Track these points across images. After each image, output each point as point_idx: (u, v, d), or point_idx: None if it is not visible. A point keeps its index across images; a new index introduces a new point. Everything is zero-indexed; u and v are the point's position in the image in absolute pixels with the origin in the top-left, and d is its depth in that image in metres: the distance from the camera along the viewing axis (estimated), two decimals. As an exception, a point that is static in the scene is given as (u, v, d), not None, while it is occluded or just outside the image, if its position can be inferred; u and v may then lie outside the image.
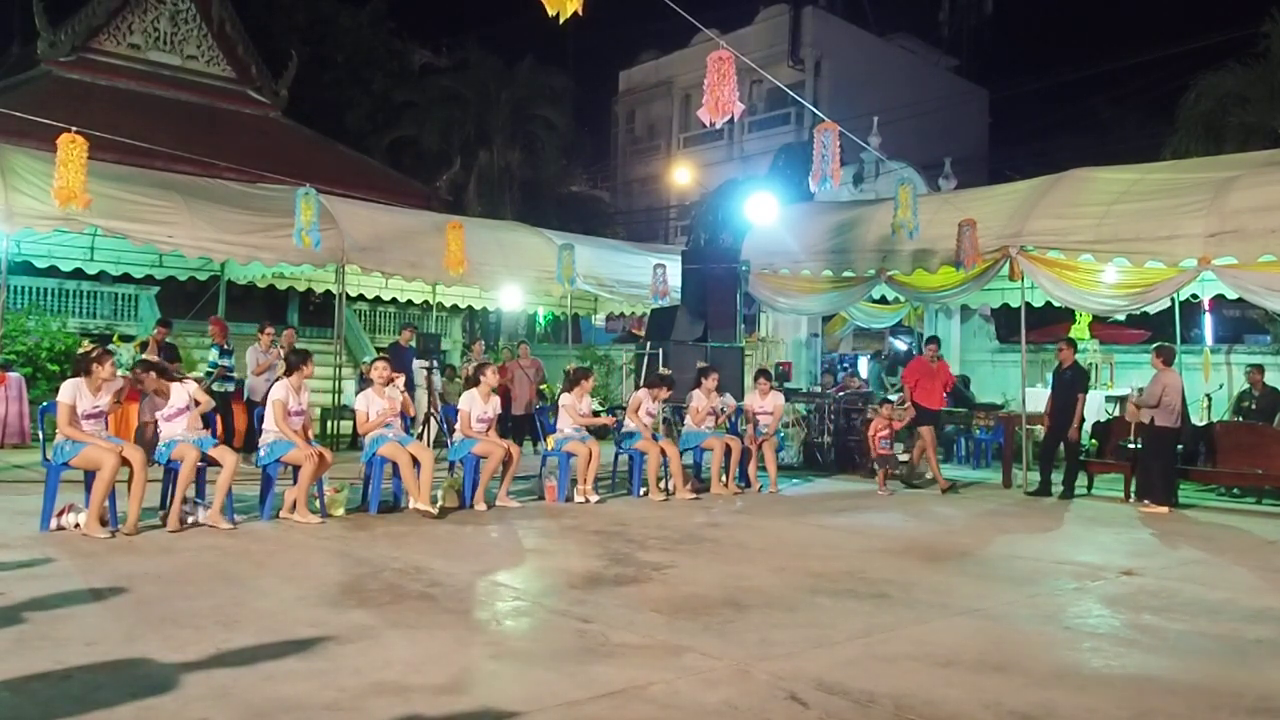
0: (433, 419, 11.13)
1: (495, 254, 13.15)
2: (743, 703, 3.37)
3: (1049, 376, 13.73)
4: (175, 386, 6.81)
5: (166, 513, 6.53)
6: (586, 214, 26.51)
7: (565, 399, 8.77)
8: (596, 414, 9.34)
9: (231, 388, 11.00)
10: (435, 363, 11.56)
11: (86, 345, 6.98)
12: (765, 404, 9.82)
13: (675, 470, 9.05)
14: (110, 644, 3.85)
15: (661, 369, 10.01)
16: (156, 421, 6.92)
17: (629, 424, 9.16)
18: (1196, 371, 12.43)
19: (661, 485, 8.90)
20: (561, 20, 4.83)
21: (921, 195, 10.92)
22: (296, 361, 7.30)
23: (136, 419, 6.67)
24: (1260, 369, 10.89)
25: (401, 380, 7.84)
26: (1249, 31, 16.40)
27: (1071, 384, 9.70)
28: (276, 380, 7.54)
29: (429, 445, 9.10)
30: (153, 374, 6.88)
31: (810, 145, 8.22)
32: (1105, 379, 13.26)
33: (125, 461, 6.18)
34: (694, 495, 8.97)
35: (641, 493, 8.83)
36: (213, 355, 11.14)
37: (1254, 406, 10.55)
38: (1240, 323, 18.71)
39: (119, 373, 6.95)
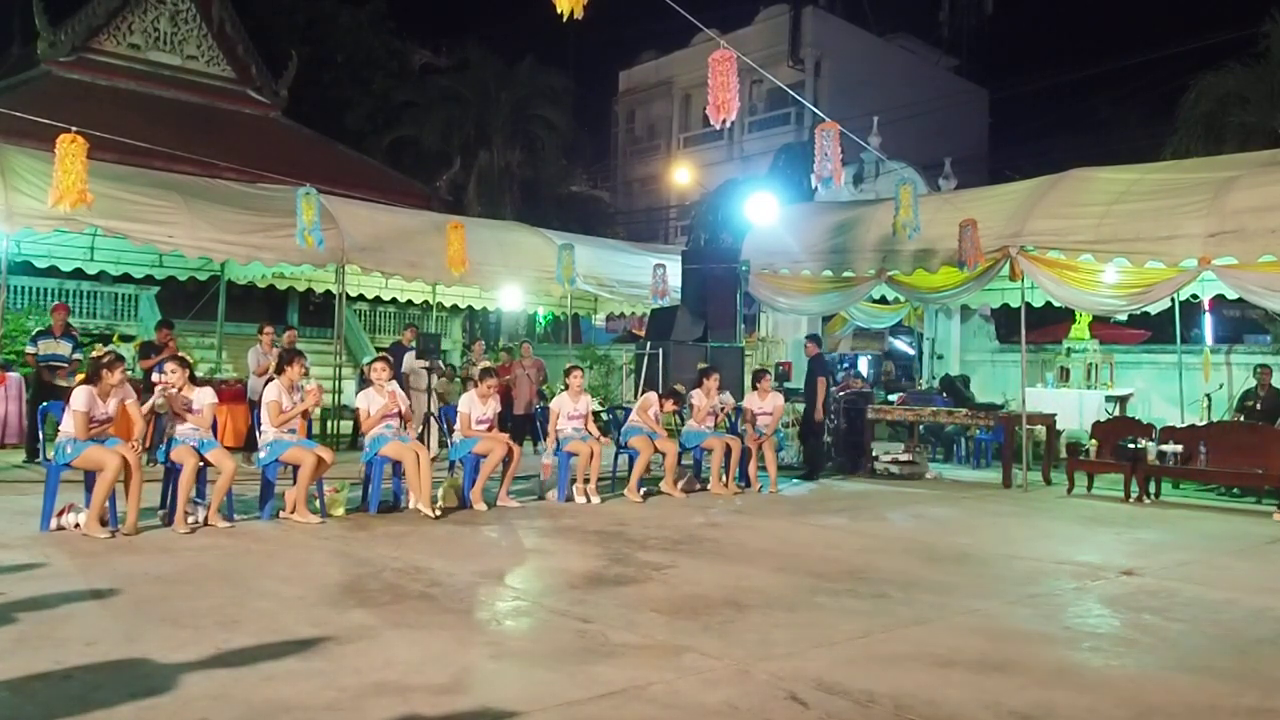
0: (432, 419, 11.11)
1: (495, 254, 13.13)
2: (743, 703, 3.37)
3: (1049, 376, 13.86)
4: (200, 390, 6.84)
5: (166, 513, 6.55)
6: (586, 214, 26.53)
7: (555, 402, 8.82)
8: (597, 415, 9.34)
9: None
10: (432, 363, 11.51)
11: (99, 350, 7.00)
12: (765, 404, 9.81)
13: (669, 468, 9.06)
14: (110, 644, 3.84)
15: (677, 385, 10.01)
16: (158, 417, 6.95)
17: (634, 419, 9.19)
18: (1196, 371, 12.44)
19: (644, 490, 8.89)
20: (565, 19, 4.85)
21: (921, 195, 10.91)
22: (287, 360, 7.32)
23: (139, 419, 6.66)
24: (1268, 369, 10.87)
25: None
26: (1249, 31, 16.40)
27: (812, 373, 10.78)
28: (268, 381, 7.53)
29: (428, 446, 9.10)
30: (186, 372, 6.87)
31: (810, 145, 8.23)
32: (1105, 379, 13.26)
33: (125, 462, 6.19)
34: (683, 494, 8.97)
35: (642, 492, 8.82)
36: (61, 348, 10.04)
37: (1259, 406, 10.53)
38: (1240, 323, 18.72)
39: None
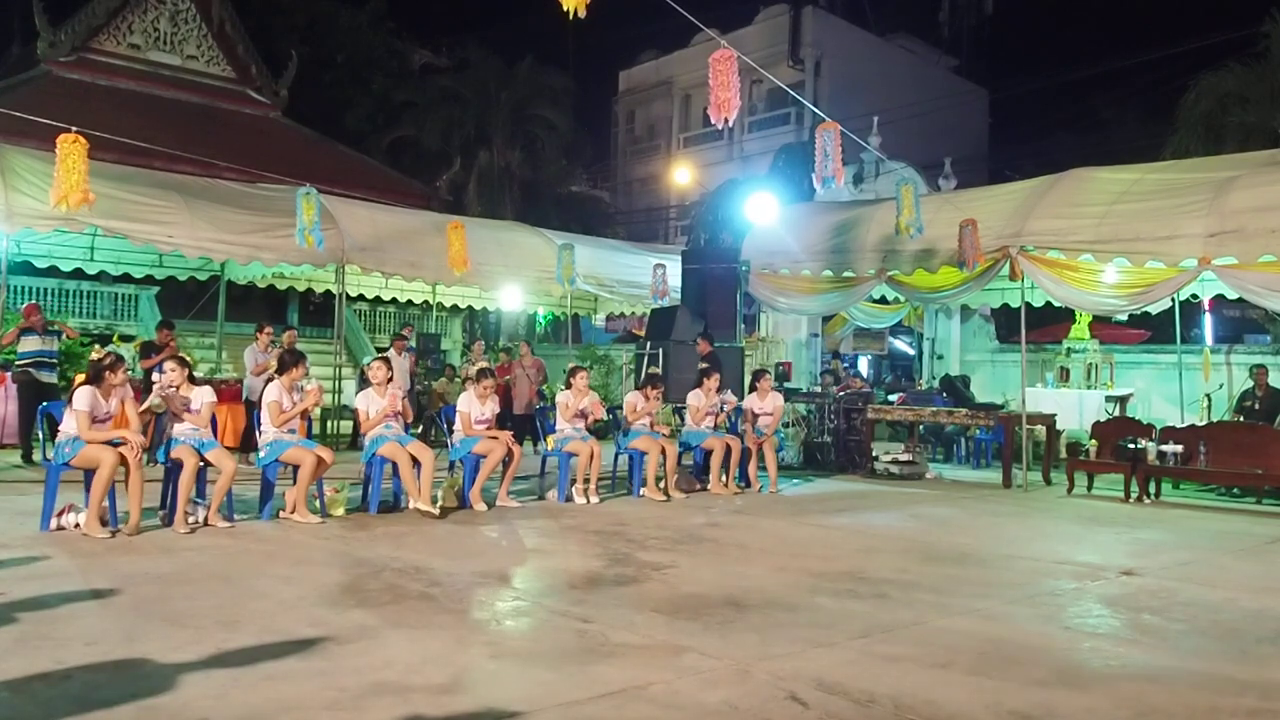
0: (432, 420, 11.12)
1: (495, 254, 13.15)
2: (743, 703, 3.37)
3: (1049, 376, 13.87)
4: (198, 389, 6.86)
5: (166, 513, 6.55)
6: (586, 214, 26.52)
7: (560, 397, 8.81)
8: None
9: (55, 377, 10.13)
10: (413, 364, 11.50)
11: (99, 352, 7.00)
12: (765, 404, 9.81)
13: (670, 469, 9.06)
14: (110, 644, 3.84)
15: (652, 369, 9.98)
16: (158, 417, 6.95)
17: (629, 421, 9.18)
18: (1196, 371, 12.45)
19: (660, 485, 8.90)
20: (570, 16, 4.87)
21: (922, 195, 10.92)
22: (290, 362, 7.31)
23: (135, 419, 6.67)
24: (1264, 369, 10.88)
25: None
26: (1249, 31, 16.40)
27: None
28: (269, 381, 7.53)
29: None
30: (185, 371, 6.89)
31: (810, 145, 8.24)
32: (1105, 379, 13.26)
33: (124, 460, 6.19)
34: (683, 494, 8.97)
35: (641, 492, 8.82)
36: (49, 344, 10.09)
37: (1257, 406, 10.53)
38: (1240, 323, 18.75)
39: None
